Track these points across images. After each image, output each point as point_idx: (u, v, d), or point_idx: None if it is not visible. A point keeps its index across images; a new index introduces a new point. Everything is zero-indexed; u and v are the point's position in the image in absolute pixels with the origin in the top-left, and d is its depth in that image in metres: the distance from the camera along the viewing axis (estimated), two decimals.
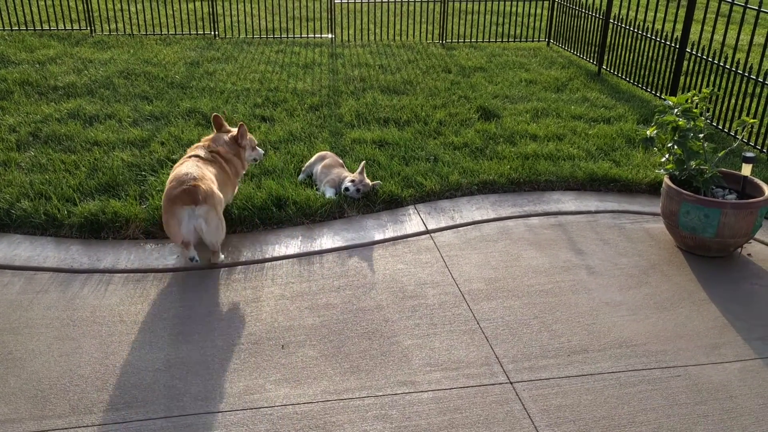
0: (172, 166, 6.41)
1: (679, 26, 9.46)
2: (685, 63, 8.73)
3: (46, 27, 11.38)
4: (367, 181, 6.03)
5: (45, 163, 6.43)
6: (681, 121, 5.37)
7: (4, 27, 11.22)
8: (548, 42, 11.98)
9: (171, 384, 3.99)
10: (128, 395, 3.90)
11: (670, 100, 5.53)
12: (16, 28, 11.23)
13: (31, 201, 5.75)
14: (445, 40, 11.84)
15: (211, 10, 11.54)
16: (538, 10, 13.55)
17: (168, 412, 3.78)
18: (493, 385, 4.06)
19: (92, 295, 4.81)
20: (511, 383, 4.07)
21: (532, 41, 12.01)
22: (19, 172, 6.25)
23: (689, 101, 5.52)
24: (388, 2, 12.60)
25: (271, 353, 4.26)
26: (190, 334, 4.42)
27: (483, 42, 11.87)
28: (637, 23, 9.43)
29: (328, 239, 5.57)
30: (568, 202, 6.28)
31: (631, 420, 3.81)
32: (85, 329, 4.45)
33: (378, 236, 5.64)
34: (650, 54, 9.15)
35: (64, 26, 11.45)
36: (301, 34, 11.83)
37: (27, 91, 8.30)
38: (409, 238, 5.64)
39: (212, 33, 11.56)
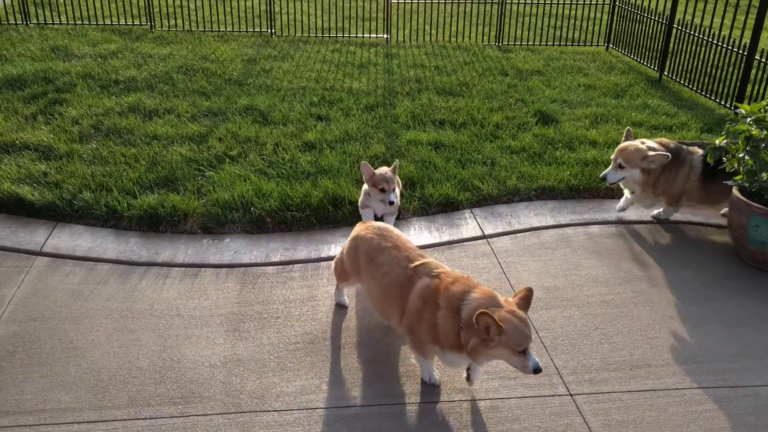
0: (229, 162, 6.48)
1: (747, 33, 9.14)
2: (753, 71, 8.43)
3: (108, 22, 11.62)
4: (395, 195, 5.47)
5: (106, 156, 6.54)
6: (754, 131, 5.17)
7: (68, 21, 11.50)
8: (607, 46, 11.73)
9: (227, 380, 4.00)
10: (185, 390, 3.92)
11: (743, 108, 5.33)
12: (80, 22, 11.50)
13: (93, 192, 5.85)
14: (502, 42, 11.69)
15: (268, 8, 11.62)
16: (597, 14, 13.27)
17: (225, 409, 3.78)
18: (552, 396, 3.95)
19: (150, 288, 4.86)
20: (571, 395, 3.96)
21: (591, 45, 11.77)
22: (81, 163, 6.37)
23: (762, 110, 5.30)
24: (445, 3, 12.50)
25: (326, 353, 4.23)
26: (246, 331, 4.42)
27: (540, 45, 11.68)
28: (702, 29, 9.15)
29: None
30: (629, 210, 6.10)
31: None
32: (144, 322, 4.50)
33: (433, 239, 5.58)
34: (715, 61, 8.86)
35: (126, 21, 11.68)
36: (356, 34, 11.82)
37: (89, 84, 8.47)
38: (465, 243, 5.56)
39: (269, 31, 11.64)
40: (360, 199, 5.66)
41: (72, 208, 5.69)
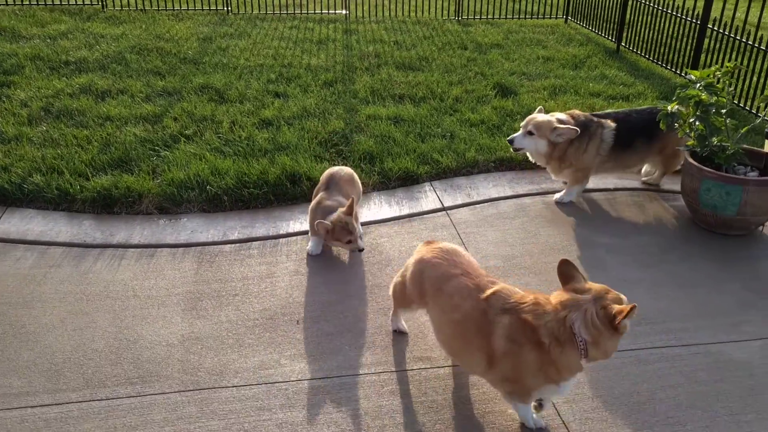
0: (184, 142, 6.38)
1: (700, 3, 9.25)
2: (707, 40, 8.54)
3: (57, 2, 11.30)
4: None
5: (57, 138, 6.39)
6: (704, 96, 5.24)
7: (15, 2, 11.15)
8: (566, 19, 11.79)
9: (185, 358, 3.96)
10: (142, 369, 3.87)
11: (693, 74, 5.40)
12: (27, 2, 11.16)
13: (44, 175, 5.71)
14: (461, 16, 11.66)
15: None
16: None
17: (183, 387, 3.75)
18: None
19: (105, 269, 4.78)
20: None
21: (550, 18, 11.82)
22: (30, 146, 6.21)
23: (712, 76, 5.38)
24: None
25: (286, 328, 4.22)
26: (204, 309, 4.38)
27: (500, 18, 11.69)
28: None
29: None
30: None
31: (650, 397, 3.75)
32: (99, 304, 4.42)
33: (393, 213, 5.57)
34: (670, 31, 8.96)
35: (76, 1, 11.37)
36: (314, 10, 11.69)
37: (38, 66, 8.25)
38: (425, 215, 5.57)
39: (225, 8, 11.45)
40: (314, 211, 4.91)
41: (22, 192, 5.55)
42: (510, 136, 5.70)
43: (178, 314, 4.33)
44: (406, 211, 5.62)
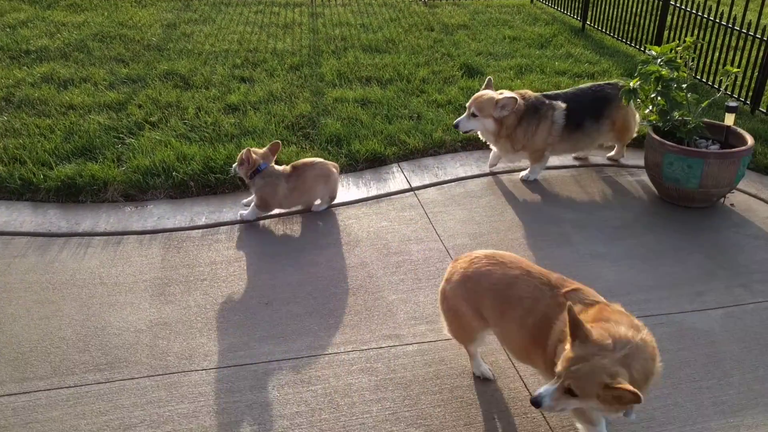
0: (149, 129, 6.31)
1: None
2: (669, 17, 8.64)
3: None
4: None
5: (19, 128, 6.28)
6: (664, 71, 5.31)
7: None
8: None
9: (154, 344, 3.95)
10: (111, 356, 3.85)
11: (654, 50, 5.47)
12: None
13: (6, 166, 5.63)
14: None
15: None
16: None
17: (152, 371, 3.74)
18: None
19: (71, 258, 4.74)
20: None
21: None
22: None
23: (672, 51, 5.45)
24: None
25: (255, 311, 4.22)
26: (172, 295, 4.37)
27: (466, 0, 11.69)
28: None
29: None
30: (552, 157, 6.22)
31: None
32: (65, 292, 4.39)
33: (361, 194, 5.59)
34: (634, 8, 9.05)
35: None
36: None
37: None
38: (392, 196, 5.59)
39: None
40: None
41: None
42: (455, 120, 5.66)
43: (146, 300, 4.31)
44: (374, 192, 5.64)
